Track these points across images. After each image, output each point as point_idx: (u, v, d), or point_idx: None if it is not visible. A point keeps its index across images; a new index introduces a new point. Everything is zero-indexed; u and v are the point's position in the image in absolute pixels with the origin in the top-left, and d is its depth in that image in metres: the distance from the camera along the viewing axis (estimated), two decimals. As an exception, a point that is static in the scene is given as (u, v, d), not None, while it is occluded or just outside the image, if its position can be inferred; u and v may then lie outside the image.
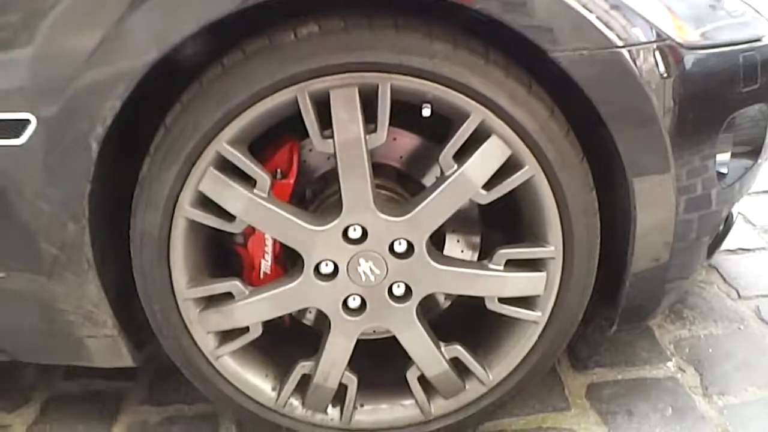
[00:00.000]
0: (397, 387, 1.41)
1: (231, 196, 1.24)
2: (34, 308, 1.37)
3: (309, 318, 1.53)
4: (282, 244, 1.34)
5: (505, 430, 1.45)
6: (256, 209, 1.25)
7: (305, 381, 1.38)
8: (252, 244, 1.34)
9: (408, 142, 1.43)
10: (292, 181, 1.31)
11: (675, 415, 1.48)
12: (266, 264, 1.35)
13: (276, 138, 1.36)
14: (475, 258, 1.50)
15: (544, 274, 1.30)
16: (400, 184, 1.41)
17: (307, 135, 1.23)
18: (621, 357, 1.66)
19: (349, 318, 1.31)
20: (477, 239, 1.50)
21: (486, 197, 1.25)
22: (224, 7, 1.13)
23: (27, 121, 1.20)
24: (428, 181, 1.44)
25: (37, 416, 1.64)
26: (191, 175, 1.23)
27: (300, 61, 1.16)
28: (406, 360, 1.38)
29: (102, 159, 1.23)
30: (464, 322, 1.48)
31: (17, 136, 1.21)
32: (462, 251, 1.50)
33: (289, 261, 1.38)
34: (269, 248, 1.34)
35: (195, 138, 1.21)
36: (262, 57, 1.17)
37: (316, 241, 1.26)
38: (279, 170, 1.32)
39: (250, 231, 1.35)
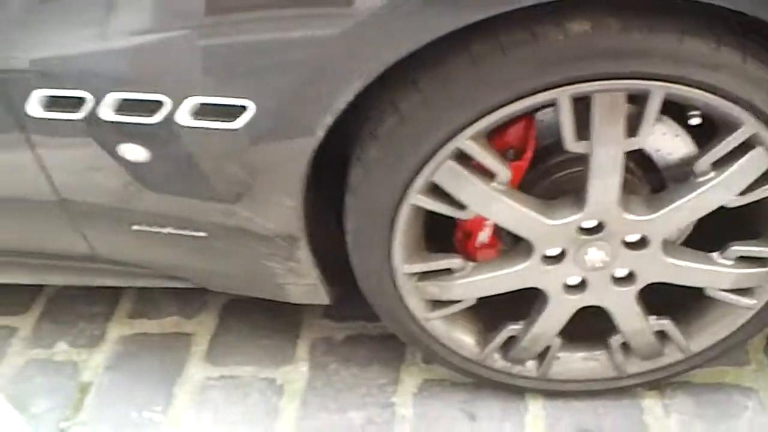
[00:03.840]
0: (592, 340, 1.46)
1: (468, 188, 1.19)
2: (240, 261, 1.39)
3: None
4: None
5: (690, 382, 1.51)
6: (493, 202, 1.20)
7: (510, 340, 1.44)
8: (473, 218, 1.31)
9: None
10: (526, 163, 1.23)
11: None
12: (484, 235, 1.33)
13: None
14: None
15: (768, 270, 1.29)
16: (641, 173, 1.31)
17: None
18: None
19: (568, 296, 1.32)
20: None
21: (736, 202, 1.20)
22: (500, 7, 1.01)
23: (243, 107, 1.13)
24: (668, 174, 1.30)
25: (217, 324, 1.72)
26: (427, 166, 1.16)
27: (568, 64, 1.05)
28: (608, 325, 1.40)
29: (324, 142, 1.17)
30: (668, 293, 1.43)
31: (233, 119, 1.14)
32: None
33: (508, 234, 1.35)
34: (490, 222, 1.31)
35: (438, 134, 1.13)
36: (523, 53, 1.05)
37: (550, 233, 1.23)
38: (511, 149, 1.24)
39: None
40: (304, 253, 1.35)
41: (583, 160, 1.19)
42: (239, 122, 1.14)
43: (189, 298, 1.76)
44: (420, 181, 1.18)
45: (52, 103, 1.18)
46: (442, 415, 1.50)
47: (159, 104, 1.14)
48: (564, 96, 1.08)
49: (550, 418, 1.47)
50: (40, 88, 1.17)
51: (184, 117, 1.15)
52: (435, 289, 1.34)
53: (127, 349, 1.69)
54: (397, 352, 1.61)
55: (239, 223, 1.31)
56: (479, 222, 1.32)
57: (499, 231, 1.35)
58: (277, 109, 1.12)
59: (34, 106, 1.19)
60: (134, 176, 1.27)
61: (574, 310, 1.36)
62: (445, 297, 1.35)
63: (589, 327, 1.44)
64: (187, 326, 1.71)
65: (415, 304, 1.36)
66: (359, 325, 1.67)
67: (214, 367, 1.63)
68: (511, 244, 1.35)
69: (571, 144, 1.14)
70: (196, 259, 1.44)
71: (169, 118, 1.16)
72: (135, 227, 1.38)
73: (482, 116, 1.11)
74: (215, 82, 1.12)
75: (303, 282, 1.44)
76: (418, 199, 1.21)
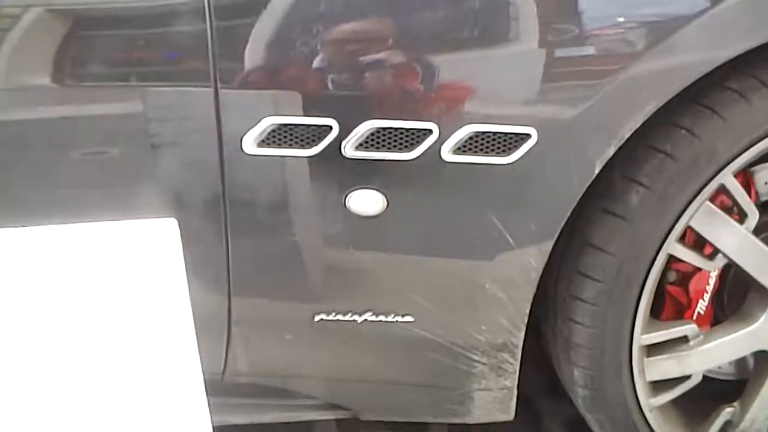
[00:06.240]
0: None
1: (726, 231, 1.14)
2: (425, 360, 1.17)
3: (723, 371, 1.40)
4: (721, 283, 1.26)
5: None
6: (747, 246, 1.16)
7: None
8: (695, 284, 1.23)
9: None
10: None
11: None
12: (703, 305, 1.25)
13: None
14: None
15: None
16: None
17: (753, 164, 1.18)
18: None
19: (790, 357, 1.28)
20: None
21: None
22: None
23: (527, 136, 1.02)
24: None
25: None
26: (688, 209, 1.11)
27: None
28: None
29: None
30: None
31: (508, 153, 1.03)
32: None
33: (728, 301, 1.29)
34: (711, 288, 1.25)
35: (708, 169, 1.10)
36: (784, 86, 1.11)
37: (786, 279, 1.21)
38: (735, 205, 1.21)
39: (693, 269, 1.24)
40: (519, 338, 1.17)
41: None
42: (515, 155, 1.02)
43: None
44: (679, 228, 1.12)
45: (278, 135, 0.98)
46: None
47: (425, 134, 1.00)
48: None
49: None
50: (274, 115, 0.98)
51: (450, 150, 1.01)
52: (669, 362, 1.21)
53: None
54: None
55: (462, 294, 1.12)
56: (701, 289, 1.26)
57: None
58: (561, 137, 1.03)
59: (254, 139, 0.98)
60: (356, 237, 1.06)
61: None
62: (677, 372, 1.22)
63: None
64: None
65: (642, 388, 1.21)
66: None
67: None
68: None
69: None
70: (378, 361, 1.18)
71: (432, 152, 1.01)
72: (320, 317, 1.12)
73: (747, 149, 1.10)
74: (498, 108, 1.02)
75: (498, 386, 1.22)
76: (674, 248, 1.14)
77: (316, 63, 0.97)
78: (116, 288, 0.68)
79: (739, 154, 1.10)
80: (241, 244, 1.06)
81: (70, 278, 0.67)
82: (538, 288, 1.14)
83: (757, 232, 1.22)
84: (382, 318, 1.12)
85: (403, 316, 1.13)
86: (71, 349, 0.67)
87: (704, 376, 1.33)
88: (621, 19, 1.01)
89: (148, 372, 0.70)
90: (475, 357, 1.18)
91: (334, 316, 1.12)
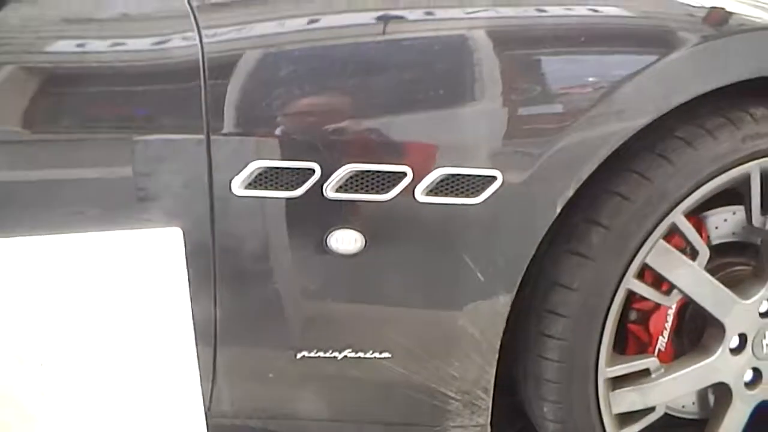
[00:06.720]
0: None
1: (680, 268, 1.23)
2: (403, 397, 1.21)
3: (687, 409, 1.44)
4: (679, 321, 1.33)
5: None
6: (701, 281, 1.25)
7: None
8: (654, 321, 1.30)
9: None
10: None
11: None
12: (663, 341, 1.32)
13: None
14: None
15: None
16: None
17: (702, 209, 1.29)
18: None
19: (747, 392, 1.33)
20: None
21: None
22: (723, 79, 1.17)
23: (492, 178, 1.11)
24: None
25: None
26: (643, 247, 1.20)
27: (759, 139, 1.22)
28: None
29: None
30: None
31: (476, 194, 1.11)
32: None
33: (686, 338, 1.36)
34: (669, 325, 1.32)
35: (661, 209, 1.19)
36: (724, 133, 1.21)
37: (739, 314, 1.27)
38: (688, 247, 1.28)
39: (652, 308, 1.32)
40: (491, 374, 1.22)
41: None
42: (483, 196, 1.11)
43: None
44: (636, 264, 1.21)
45: (265, 178, 1.06)
46: None
47: (400, 177, 1.08)
48: (755, 168, 1.24)
49: None
50: (260, 159, 1.06)
51: (423, 192, 1.09)
52: (633, 395, 1.27)
53: None
54: None
55: (436, 330, 1.18)
56: (660, 327, 1.32)
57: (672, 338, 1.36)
58: (525, 179, 1.12)
59: (242, 181, 1.05)
60: (336, 275, 1.12)
61: (750, 409, 1.34)
62: (642, 404, 1.28)
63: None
64: None
65: (609, 420, 1.27)
66: None
67: None
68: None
69: (756, 218, 1.27)
70: (358, 400, 1.21)
71: (406, 194, 1.09)
72: (302, 354, 1.16)
73: (694, 190, 1.20)
74: (466, 151, 1.11)
75: (472, 423, 1.26)
76: (632, 283, 1.22)
77: (300, 113, 1.07)
78: (121, 295, 0.73)
79: (688, 195, 1.21)
80: (226, 283, 1.11)
81: (75, 286, 0.71)
82: (507, 332, 1.22)
83: (712, 273, 1.30)
84: (361, 354, 1.17)
85: (381, 352, 1.18)
86: (75, 351, 0.72)
87: (670, 415, 1.42)
88: (575, 79, 1.14)
89: (148, 375, 0.74)
90: (449, 393, 1.22)
91: (316, 353, 1.17)
